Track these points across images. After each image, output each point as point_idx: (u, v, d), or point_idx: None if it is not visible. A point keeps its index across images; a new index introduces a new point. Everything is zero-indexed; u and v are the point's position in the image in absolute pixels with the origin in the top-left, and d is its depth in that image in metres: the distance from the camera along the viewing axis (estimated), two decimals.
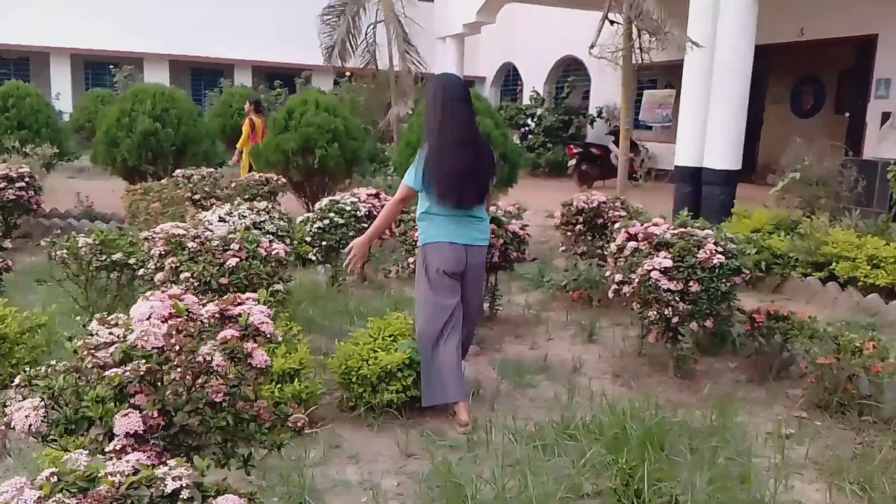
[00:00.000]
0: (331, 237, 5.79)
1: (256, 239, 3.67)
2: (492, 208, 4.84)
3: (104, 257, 3.87)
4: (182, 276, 3.41)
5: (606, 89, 17.59)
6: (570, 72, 20.04)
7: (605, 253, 5.79)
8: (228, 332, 1.81)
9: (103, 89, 19.14)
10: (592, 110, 18.39)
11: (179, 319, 1.85)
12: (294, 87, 18.51)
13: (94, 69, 22.70)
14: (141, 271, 3.70)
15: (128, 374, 1.63)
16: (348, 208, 5.87)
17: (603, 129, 17.61)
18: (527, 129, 18.51)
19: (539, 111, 18.27)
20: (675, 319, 3.85)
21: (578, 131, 18.01)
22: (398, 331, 3.68)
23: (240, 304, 2.05)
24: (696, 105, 8.31)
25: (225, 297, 2.09)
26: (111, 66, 19.41)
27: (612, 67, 7.71)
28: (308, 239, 5.80)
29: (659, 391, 3.95)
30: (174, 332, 1.72)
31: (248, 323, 1.93)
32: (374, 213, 6.06)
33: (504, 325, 5.27)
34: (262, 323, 1.95)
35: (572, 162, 15.19)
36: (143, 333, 1.68)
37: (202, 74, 25.18)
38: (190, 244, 3.57)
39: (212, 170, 7.31)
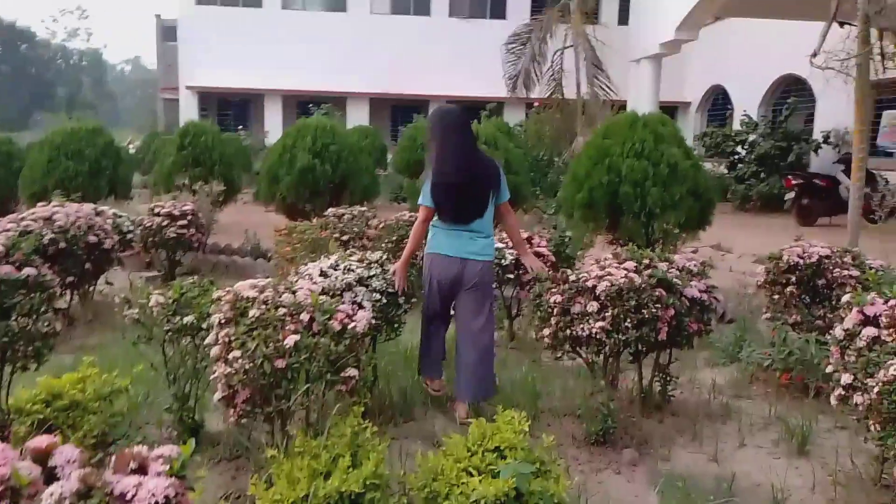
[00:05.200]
0: None
1: (330, 309, 2.87)
2: (662, 265, 3.70)
3: (177, 319, 3.30)
4: (231, 355, 2.70)
5: (835, 110, 15.06)
6: (790, 92, 17.58)
7: (825, 324, 4.32)
8: None
9: None
10: (817, 135, 15.85)
11: None
12: (479, 120, 18.10)
13: (303, 108, 24.21)
14: (207, 340, 3.07)
15: None
16: None
17: (830, 158, 15.05)
18: (736, 157, 16.40)
19: (751, 137, 16.10)
20: None
21: (799, 160, 15.56)
22: (507, 442, 2.66)
23: (138, 469, 1.20)
24: None
25: (123, 450, 1.26)
26: (310, 105, 20.41)
27: (844, 81, 6.06)
28: None
29: None
30: None
31: None
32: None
33: (678, 418, 4.00)
34: None
35: (791, 195, 13.06)
36: None
37: (400, 110, 25.91)
38: (252, 311, 2.87)
39: (363, 209, 6.80)
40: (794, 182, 13.02)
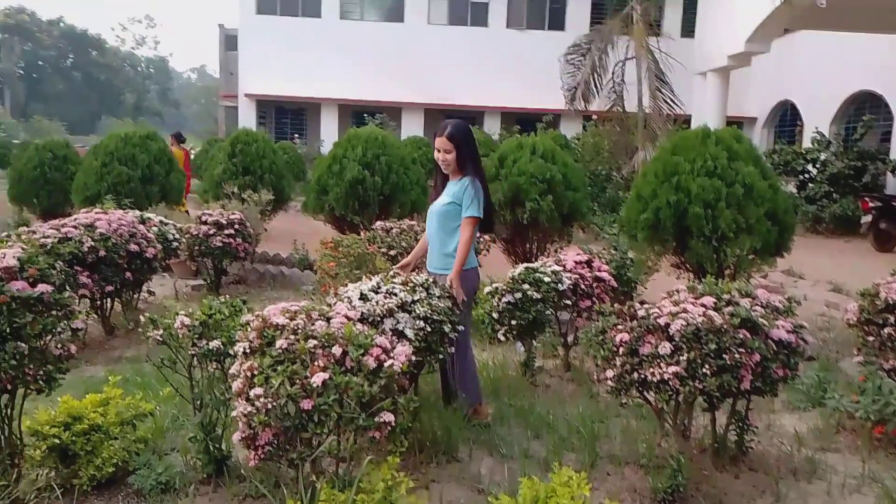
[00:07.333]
0: (523, 315, 4.53)
1: (366, 343, 2.54)
2: (745, 301, 3.26)
3: (203, 342, 3.03)
4: (253, 392, 2.40)
5: None
6: (864, 109, 16.62)
7: None
8: None
9: None
10: (894, 155, 14.89)
11: None
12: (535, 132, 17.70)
13: (358, 117, 24.23)
14: (231, 370, 2.78)
15: None
16: (547, 279, 4.57)
17: None
18: (807, 176, 15.55)
19: (823, 156, 15.23)
20: None
21: (875, 180, 14.64)
22: None
23: None
24: None
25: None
26: (364, 115, 20.34)
27: None
28: (496, 315, 4.62)
29: None
30: None
31: None
32: (582, 286, 4.71)
33: (757, 473, 3.52)
34: None
35: (867, 218, 12.23)
36: None
37: None
38: (280, 342, 2.56)
39: (412, 223, 6.49)
40: (871, 204, 12.19)
